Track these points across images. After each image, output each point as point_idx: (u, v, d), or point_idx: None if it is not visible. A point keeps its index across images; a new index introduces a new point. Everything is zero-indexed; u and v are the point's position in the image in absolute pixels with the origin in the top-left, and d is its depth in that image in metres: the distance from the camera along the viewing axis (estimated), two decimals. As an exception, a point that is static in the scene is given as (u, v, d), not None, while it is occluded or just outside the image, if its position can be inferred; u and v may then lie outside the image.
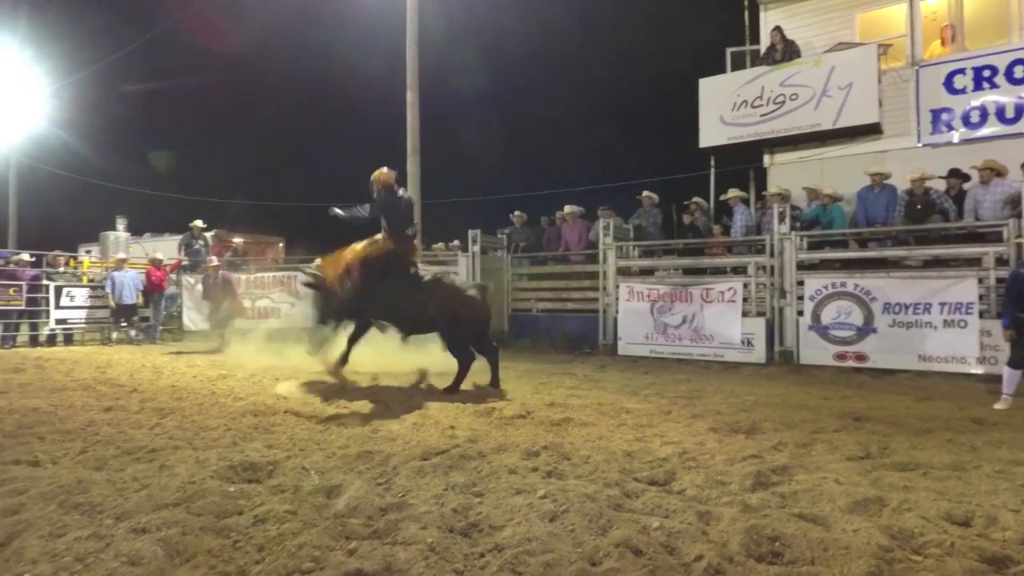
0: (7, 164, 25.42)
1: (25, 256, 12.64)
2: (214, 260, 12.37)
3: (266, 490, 3.05)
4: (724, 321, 9.22)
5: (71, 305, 12.61)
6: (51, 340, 12.32)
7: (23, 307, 12.00)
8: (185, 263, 14.21)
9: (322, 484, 3.12)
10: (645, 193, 11.47)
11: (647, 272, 10.67)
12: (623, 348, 10.12)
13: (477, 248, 12.07)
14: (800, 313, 8.73)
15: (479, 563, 2.28)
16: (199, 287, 12.77)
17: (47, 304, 12.25)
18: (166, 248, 22.30)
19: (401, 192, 6.75)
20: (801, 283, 8.78)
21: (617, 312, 10.30)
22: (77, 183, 26.79)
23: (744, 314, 9.12)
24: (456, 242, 15.25)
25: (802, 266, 8.97)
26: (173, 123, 34.23)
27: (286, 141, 33.72)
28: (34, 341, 12.29)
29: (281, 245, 22.97)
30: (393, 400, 5.65)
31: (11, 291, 11.77)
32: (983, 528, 2.65)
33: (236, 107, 34.19)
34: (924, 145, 10.07)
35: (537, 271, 12.44)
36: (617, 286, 10.35)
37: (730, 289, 9.24)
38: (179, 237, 20.00)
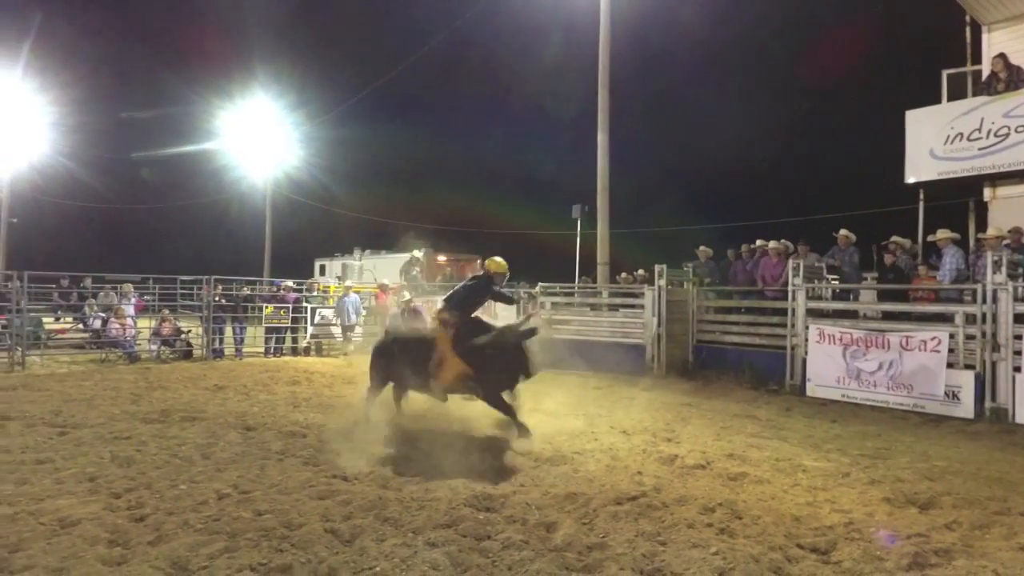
0: (263, 198, 31.19)
1: (290, 283, 15.88)
2: (406, 295, 14.63)
3: (503, 519, 4.15)
4: (926, 371, 8.84)
5: (321, 323, 15.59)
6: (306, 351, 15.32)
7: (289, 324, 15.15)
8: (405, 286, 16.72)
9: (542, 519, 4.15)
10: (842, 231, 11.22)
11: (841, 313, 10.46)
12: (812, 389, 10.05)
13: (663, 282, 12.65)
14: (1017, 369, 8.15)
15: (662, 602, 3.11)
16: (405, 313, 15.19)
17: (305, 322, 15.29)
18: (383, 264, 26.14)
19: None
20: (1019, 337, 8.18)
21: (806, 353, 10.26)
22: (311, 208, 32.36)
23: (949, 365, 8.69)
24: (641, 271, 15.95)
25: (1021, 319, 8.33)
26: (387, 158, 39.85)
27: (489, 174, 37.32)
28: (294, 351, 15.39)
29: (478, 263, 25.57)
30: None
31: (282, 312, 14.89)
32: None
33: (437, 141, 38.77)
34: None
35: (723, 304, 12.67)
36: (807, 327, 10.30)
37: (934, 339, 8.84)
38: (394, 255, 23.42)
